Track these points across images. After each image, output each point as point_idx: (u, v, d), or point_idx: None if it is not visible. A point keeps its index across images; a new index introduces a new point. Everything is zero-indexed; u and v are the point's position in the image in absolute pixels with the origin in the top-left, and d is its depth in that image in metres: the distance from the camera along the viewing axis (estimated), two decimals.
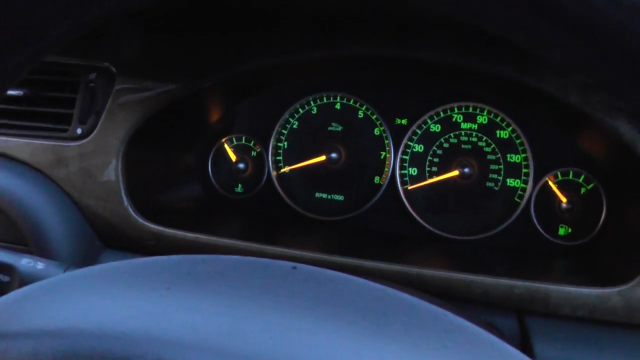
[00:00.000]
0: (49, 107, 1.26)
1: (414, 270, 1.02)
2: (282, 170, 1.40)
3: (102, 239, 1.22)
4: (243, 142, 1.42)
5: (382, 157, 1.34)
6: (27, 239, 1.16)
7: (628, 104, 0.36)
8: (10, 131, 1.26)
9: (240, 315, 0.39)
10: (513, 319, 1.01)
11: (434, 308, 0.44)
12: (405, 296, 0.44)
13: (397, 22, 1.11)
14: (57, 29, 0.41)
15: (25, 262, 0.85)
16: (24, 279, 0.83)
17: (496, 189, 1.27)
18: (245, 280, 0.44)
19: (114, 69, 1.22)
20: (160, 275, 0.44)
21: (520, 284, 0.99)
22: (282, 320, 0.39)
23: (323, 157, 1.36)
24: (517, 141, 1.26)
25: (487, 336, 0.41)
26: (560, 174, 1.24)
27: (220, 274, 0.44)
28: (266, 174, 1.41)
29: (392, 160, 1.32)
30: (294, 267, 0.45)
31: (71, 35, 0.43)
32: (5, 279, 0.84)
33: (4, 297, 0.46)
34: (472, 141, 1.28)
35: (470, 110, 1.28)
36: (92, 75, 1.24)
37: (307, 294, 0.42)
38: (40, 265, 0.84)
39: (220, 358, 0.35)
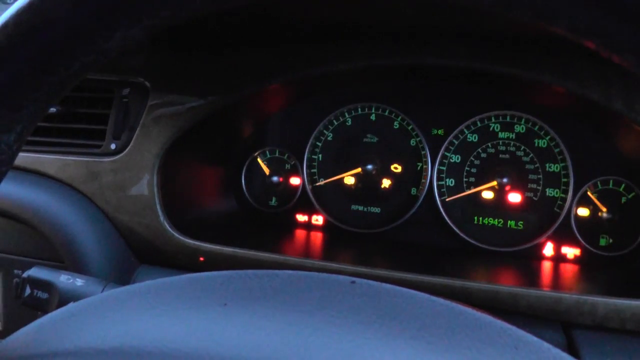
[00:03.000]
0: (82, 124, 1.26)
1: (458, 283, 1.00)
2: (318, 184, 1.38)
3: (136, 254, 1.21)
4: (277, 155, 1.41)
5: (418, 168, 1.32)
6: (62, 255, 1.16)
7: None
8: (44, 148, 1.26)
9: (302, 331, 0.38)
10: (559, 332, 0.98)
11: (499, 323, 0.42)
12: (466, 309, 0.43)
13: (433, 31, 1.09)
14: (105, 42, 0.40)
15: (64, 279, 0.84)
16: (64, 296, 0.82)
17: (535, 199, 1.25)
18: (305, 295, 0.42)
19: (148, 84, 1.21)
20: (216, 291, 0.43)
21: (567, 297, 0.96)
22: (344, 336, 0.37)
23: (359, 169, 1.34)
24: (556, 150, 1.23)
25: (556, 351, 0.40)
26: (600, 183, 1.21)
27: (278, 290, 0.43)
28: (301, 186, 1.39)
29: (429, 171, 1.31)
30: (353, 282, 0.44)
31: (118, 49, 0.42)
32: (44, 295, 0.83)
33: (54, 314, 0.45)
34: (510, 151, 1.26)
35: (508, 119, 1.26)
36: (126, 91, 1.23)
37: (369, 309, 0.41)
38: (79, 281, 0.84)
39: None
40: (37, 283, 0.84)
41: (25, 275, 0.85)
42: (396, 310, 0.41)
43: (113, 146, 1.22)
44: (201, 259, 1.14)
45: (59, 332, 0.42)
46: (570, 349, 0.96)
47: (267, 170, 1.41)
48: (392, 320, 0.39)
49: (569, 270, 1.18)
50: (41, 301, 0.83)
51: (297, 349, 0.36)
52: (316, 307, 0.40)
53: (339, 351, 0.36)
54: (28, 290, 0.84)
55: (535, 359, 0.39)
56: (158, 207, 1.17)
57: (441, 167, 1.30)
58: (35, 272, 0.86)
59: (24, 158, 1.24)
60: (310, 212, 1.39)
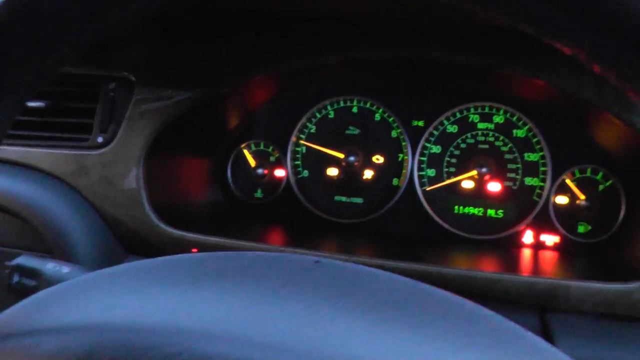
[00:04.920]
0: (69, 118, 1.28)
1: (434, 269, 1.02)
2: (301, 175, 1.41)
3: (124, 245, 1.23)
4: (262, 147, 1.43)
5: (399, 159, 1.35)
6: (52, 247, 1.18)
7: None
8: (32, 142, 1.27)
9: (264, 306, 0.40)
10: (535, 316, 1.01)
11: (457, 298, 0.44)
12: (429, 287, 0.45)
13: (412, 24, 1.11)
14: (80, 35, 0.42)
15: (50, 267, 0.86)
16: (50, 283, 0.84)
17: (514, 188, 1.28)
18: (269, 274, 0.44)
19: (133, 78, 1.23)
20: (186, 271, 0.45)
21: (541, 281, 0.99)
22: (304, 311, 0.40)
23: (341, 157, 1.36)
24: (534, 140, 1.26)
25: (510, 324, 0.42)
26: (578, 171, 1.24)
27: (245, 269, 0.45)
28: (285, 178, 1.42)
29: (410, 162, 1.33)
30: (317, 262, 0.46)
31: (92, 42, 0.44)
32: (32, 283, 0.85)
33: (35, 296, 0.47)
34: (489, 141, 1.29)
35: (487, 110, 1.29)
36: (112, 85, 1.25)
37: (331, 287, 0.43)
38: (65, 269, 0.86)
39: (247, 348, 0.36)
40: (24, 271, 0.86)
41: (13, 263, 0.87)
42: (356, 286, 0.43)
43: (100, 139, 1.24)
44: (194, 250, 1.16)
45: (37, 313, 0.44)
46: (545, 332, 0.99)
47: (252, 162, 1.43)
48: (351, 296, 0.42)
49: (547, 257, 1.21)
50: (28, 288, 0.85)
51: (257, 322, 0.38)
52: (279, 285, 0.42)
53: (298, 325, 0.38)
54: (16, 278, 0.87)
55: (491, 332, 0.41)
56: (144, 199, 1.19)
57: (422, 158, 1.33)
58: (23, 260, 0.88)
59: (12, 152, 1.26)
60: (295, 203, 1.41)
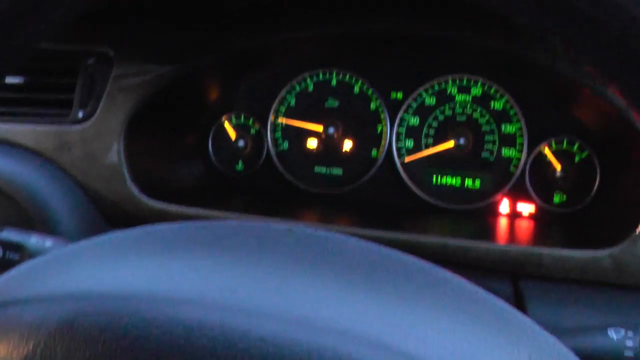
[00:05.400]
0: (50, 94, 1.28)
1: (409, 237, 1.04)
2: (282, 147, 1.42)
3: (106, 219, 1.24)
4: (242, 120, 1.44)
5: (378, 130, 1.36)
6: (35, 222, 1.19)
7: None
8: (13, 118, 1.28)
9: (236, 272, 0.42)
10: (508, 284, 1.03)
11: (426, 264, 0.46)
12: (396, 253, 0.47)
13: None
14: (55, 10, 0.43)
15: (33, 241, 0.88)
16: (33, 256, 0.85)
17: (491, 159, 1.30)
18: (243, 242, 0.46)
19: (111, 53, 1.23)
20: (163, 240, 0.47)
21: (513, 248, 1.02)
22: (273, 277, 0.42)
23: (320, 130, 1.38)
24: (511, 112, 1.28)
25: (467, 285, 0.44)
26: (555, 142, 1.26)
27: (220, 237, 0.47)
28: (265, 151, 1.43)
29: (389, 133, 1.35)
30: (290, 230, 0.48)
31: (68, 17, 0.45)
32: (15, 256, 0.87)
33: (17, 268, 0.48)
34: (466, 113, 1.31)
35: (465, 82, 1.30)
36: (91, 60, 1.25)
37: (301, 254, 0.45)
38: (48, 242, 0.87)
39: (221, 313, 0.38)
40: (8, 245, 0.88)
41: None
42: (325, 252, 0.45)
43: (80, 114, 1.25)
44: None
45: (19, 284, 0.46)
46: (517, 299, 1.01)
47: (233, 135, 1.44)
48: (320, 262, 0.43)
49: (523, 226, 1.23)
50: (12, 262, 0.87)
51: (230, 288, 0.40)
52: (252, 252, 0.44)
53: (266, 290, 0.40)
54: (0, 252, 0.88)
55: (451, 294, 0.43)
56: (125, 172, 1.20)
57: (400, 130, 1.34)
58: (6, 234, 0.89)
59: None
60: (275, 175, 1.43)
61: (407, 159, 1.34)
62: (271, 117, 1.41)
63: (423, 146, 1.33)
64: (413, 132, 1.34)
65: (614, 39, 0.36)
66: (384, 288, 0.42)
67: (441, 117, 1.32)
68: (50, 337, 0.38)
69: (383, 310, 0.39)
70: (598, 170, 1.22)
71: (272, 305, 0.38)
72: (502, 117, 1.28)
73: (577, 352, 0.52)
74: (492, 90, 1.28)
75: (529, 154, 1.27)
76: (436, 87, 1.32)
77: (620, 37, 0.35)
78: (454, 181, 1.32)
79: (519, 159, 1.28)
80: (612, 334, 0.72)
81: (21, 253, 0.87)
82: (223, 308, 0.38)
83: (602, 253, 0.98)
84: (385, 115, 1.35)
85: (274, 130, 1.42)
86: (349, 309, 0.39)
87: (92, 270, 0.45)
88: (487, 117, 1.29)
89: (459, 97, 1.31)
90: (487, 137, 1.30)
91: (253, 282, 0.41)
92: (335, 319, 0.38)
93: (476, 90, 1.30)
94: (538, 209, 1.27)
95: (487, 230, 1.21)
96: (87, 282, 0.43)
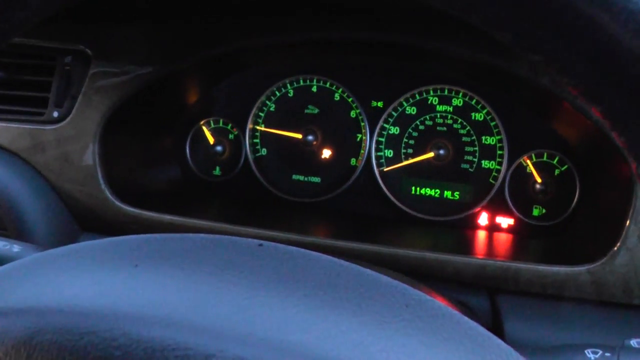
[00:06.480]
0: (25, 91, 1.26)
1: (386, 250, 1.03)
2: (260, 153, 1.40)
3: (79, 223, 1.22)
4: (221, 125, 1.42)
5: (358, 139, 1.35)
6: (6, 224, 1.17)
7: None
8: None
9: (202, 290, 0.40)
10: (486, 298, 1.03)
11: (394, 282, 0.45)
12: (365, 270, 0.46)
13: (371, 6, 1.12)
14: (20, 12, 0.41)
15: (0, 245, 0.85)
16: (0, 262, 0.83)
17: (471, 170, 1.29)
18: (210, 257, 0.45)
19: (89, 52, 1.21)
20: (129, 254, 0.45)
21: (491, 263, 1.01)
22: (242, 294, 0.40)
23: (299, 137, 1.37)
24: (492, 123, 1.27)
25: (447, 309, 0.43)
26: (535, 155, 1.25)
27: (187, 252, 0.45)
28: (243, 156, 1.41)
29: (368, 142, 1.34)
30: (261, 245, 0.47)
31: (34, 19, 0.43)
32: None
33: None
34: (447, 123, 1.30)
35: (446, 92, 1.29)
36: (68, 59, 1.23)
37: (270, 270, 0.43)
38: (16, 248, 0.85)
39: (184, 331, 0.36)
40: None
41: None
42: (295, 270, 0.44)
43: (55, 114, 1.23)
44: None
45: None
46: (494, 314, 1.01)
47: (211, 140, 1.42)
48: (289, 280, 0.42)
49: (501, 239, 1.23)
50: None
51: (195, 306, 0.39)
52: (220, 268, 0.42)
53: (234, 307, 0.38)
54: None
55: (424, 316, 0.42)
56: (99, 175, 1.18)
57: (380, 139, 1.33)
58: None
59: None
60: (252, 181, 1.41)
61: (387, 169, 1.33)
62: (250, 123, 1.40)
63: (403, 156, 1.32)
64: (393, 142, 1.33)
65: (595, 61, 0.35)
66: (350, 308, 0.41)
67: (421, 127, 1.31)
68: (7, 354, 0.37)
69: (346, 331, 0.38)
70: (578, 185, 1.22)
71: (238, 327, 0.37)
72: (482, 128, 1.28)
73: None
74: (474, 102, 1.28)
75: (509, 166, 1.27)
76: (417, 97, 1.31)
77: (600, 60, 0.35)
78: (433, 192, 1.31)
79: (498, 171, 1.27)
80: (590, 354, 0.71)
81: None
82: (188, 329, 0.37)
83: (580, 269, 0.97)
84: (365, 124, 1.34)
85: (252, 136, 1.40)
86: (318, 330, 0.38)
87: (55, 283, 0.43)
88: (467, 128, 1.29)
89: (440, 108, 1.30)
90: (467, 149, 1.29)
91: (220, 300, 0.39)
92: (303, 342, 0.36)
93: (457, 101, 1.29)
94: (517, 221, 1.27)
95: (465, 243, 1.20)
96: (49, 295, 0.42)
